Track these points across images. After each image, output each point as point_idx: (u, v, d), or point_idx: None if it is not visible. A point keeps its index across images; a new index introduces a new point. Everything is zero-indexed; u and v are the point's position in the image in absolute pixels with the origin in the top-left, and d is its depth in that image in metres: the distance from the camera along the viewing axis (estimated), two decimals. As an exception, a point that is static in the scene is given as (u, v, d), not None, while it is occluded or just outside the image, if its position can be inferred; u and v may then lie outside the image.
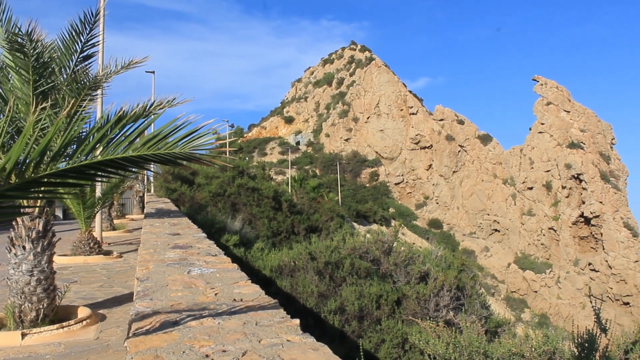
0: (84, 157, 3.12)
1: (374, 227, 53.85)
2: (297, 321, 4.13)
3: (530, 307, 71.48)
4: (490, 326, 12.48)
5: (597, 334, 5.91)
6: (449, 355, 5.73)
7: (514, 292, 73.31)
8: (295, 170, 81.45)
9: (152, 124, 4.37)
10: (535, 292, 73.20)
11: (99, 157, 3.19)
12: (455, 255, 18.42)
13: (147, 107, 5.17)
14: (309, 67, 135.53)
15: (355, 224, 59.26)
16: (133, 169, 3.67)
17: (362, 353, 5.42)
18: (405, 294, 12.52)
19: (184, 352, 3.25)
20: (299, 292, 12.03)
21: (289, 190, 50.90)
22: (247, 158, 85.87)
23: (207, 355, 3.20)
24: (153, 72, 37.10)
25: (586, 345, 5.91)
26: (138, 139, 3.42)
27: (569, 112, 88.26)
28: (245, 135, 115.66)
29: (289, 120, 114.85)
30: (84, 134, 3.70)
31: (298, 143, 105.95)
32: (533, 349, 5.76)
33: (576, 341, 6.02)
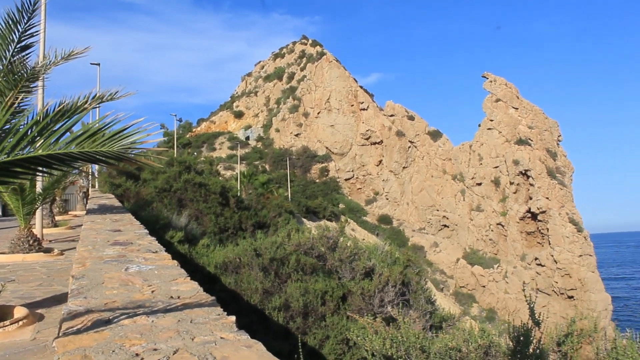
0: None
1: (324, 223, 54.08)
2: (233, 318, 4.15)
3: (478, 302, 72.82)
4: (434, 321, 12.70)
5: (532, 327, 6.10)
6: (386, 351, 5.82)
7: (463, 287, 74.57)
8: (245, 165, 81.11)
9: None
10: (483, 286, 74.60)
11: (22, 154, 3.15)
12: (402, 250, 18.65)
13: (88, 100, 5.10)
14: (260, 61, 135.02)
15: (304, 220, 59.33)
16: (61, 168, 3.62)
17: (300, 350, 5.48)
18: (350, 290, 12.62)
19: (113, 351, 3.24)
20: (244, 288, 12.01)
21: (238, 186, 50.68)
22: (195, 153, 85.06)
23: (137, 354, 3.19)
24: (98, 64, 36.43)
25: (521, 338, 6.10)
26: (68, 134, 3.39)
27: (517, 109, 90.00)
28: (194, 130, 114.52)
29: (239, 115, 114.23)
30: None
31: (248, 138, 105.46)
32: (469, 343, 5.91)
33: (511, 335, 6.21)
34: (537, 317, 6.58)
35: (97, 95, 5.67)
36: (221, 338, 3.60)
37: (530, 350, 6.05)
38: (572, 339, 6.28)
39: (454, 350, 5.86)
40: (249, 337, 3.68)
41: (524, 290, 7.54)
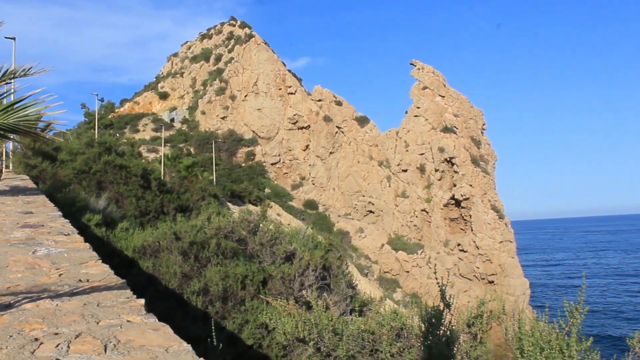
0: None
1: (246, 207, 53.90)
2: (141, 301, 4.12)
3: (402, 287, 74.29)
4: (355, 305, 12.88)
5: (443, 310, 6.31)
6: (298, 334, 5.90)
7: (387, 272, 75.88)
8: (169, 148, 79.87)
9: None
10: (407, 272, 76.10)
11: None
12: (324, 235, 18.82)
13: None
14: (187, 42, 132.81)
15: (229, 204, 58.96)
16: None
17: (214, 334, 5.48)
18: (270, 274, 12.68)
19: (11, 336, 3.18)
20: (162, 273, 11.90)
21: (162, 169, 49.90)
22: (117, 134, 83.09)
23: (36, 339, 3.14)
24: (13, 39, 35.13)
25: (433, 320, 6.30)
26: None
27: (443, 97, 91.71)
28: (116, 111, 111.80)
29: (164, 96, 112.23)
30: None
31: (172, 120, 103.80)
32: (382, 326, 6.07)
33: (423, 317, 6.40)
34: (447, 299, 6.80)
35: (10, 70, 5.45)
36: (128, 321, 3.57)
37: (441, 331, 6.26)
38: (482, 321, 6.53)
39: (367, 332, 6.00)
40: (156, 320, 3.67)
41: (435, 272, 7.78)
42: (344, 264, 15.59)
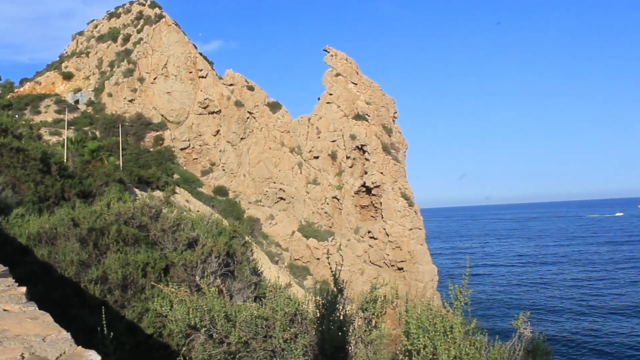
0: None
1: (156, 193, 52.92)
2: (23, 289, 4.06)
3: (312, 274, 74.98)
4: (260, 292, 12.98)
5: (337, 295, 6.49)
6: (189, 320, 5.92)
7: (298, 259, 76.39)
8: (73, 131, 77.35)
9: None
10: (318, 259, 76.85)
11: None
12: (230, 221, 18.79)
13: None
14: (93, 20, 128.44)
15: (137, 190, 57.72)
16: None
17: (104, 322, 5.43)
18: (172, 262, 12.59)
19: None
20: (58, 260, 11.64)
21: (64, 153, 48.36)
22: (17, 116, 79.72)
23: None
24: None
25: (327, 305, 6.47)
26: None
27: (356, 84, 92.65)
28: (16, 90, 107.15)
29: (68, 77, 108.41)
30: None
31: (77, 102, 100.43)
32: (275, 312, 6.17)
33: (318, 303, 6.55)
34: (340, 285, 6.99)
35: None
36: (4, 310, 3.52)
37: (335, 316, 6.44)
38: (375, 306, 6.74)
39: (260, 318, 6.09)
40: (36, 308, 3.63)
41: (327, 257, 7.95)
42: (248, 251, 15.64)
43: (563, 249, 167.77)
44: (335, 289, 6.87)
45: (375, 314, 6.78)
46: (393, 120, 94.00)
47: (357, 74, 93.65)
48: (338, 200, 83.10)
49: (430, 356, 5.65)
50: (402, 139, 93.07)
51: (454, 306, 6.25)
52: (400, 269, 77.11)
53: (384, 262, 77.89)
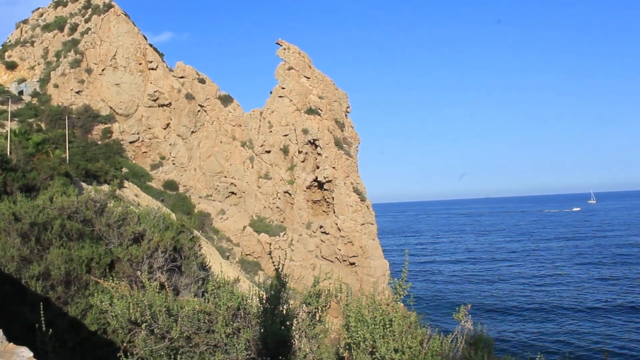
0: None
1: (103, 187, 52.11)
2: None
3: (264, 269, 74.89)
4: (207, 287, 12.92)
5: (280, 289, 6.53)
6: (129, 315, 5.89)
7: (249, 254, 76.20)
8: (17, 123, 75.63)
9: None
10: (269, 254, 76.76)
11: None
12: (177, 216, 18.68)
13: None
14: (38, 8, 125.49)
15: (84, 184, 56.78)
16: None
17: (42, 319, 5.36)
18: (118, 257, 12.45)
19: None
20: (-3, 257, 11.42)
21: (8, 146, 47.36)
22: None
23: None
24: None
25: (270, 299, 6.51)
26: None
27: (309, 78, 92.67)
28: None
29: (11, 66, 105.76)
30: None
31: (21, 93, 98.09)
32: (218, 306, 6.18)
33: (261, 297, 6.59)
34: (283, 279, 7.04)
35: None
36: None
37: (277, 311, 6.48)
38: (318, 300, 6.81)
39: (203, 313, 6.09)
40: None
41: (270, 253, 8.00)
42: (196, 246, 15.57)
43: (514, 244, 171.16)
44: (278, 283, 6.91)
45: (319, 308, 6.85)
46: (345, 115, 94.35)
47: (310, 67, 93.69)
48: (290, 195, 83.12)
49: (370, 349, 5.74)
50: (355, 134, 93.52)
51: (395, 299, 6.36)
52: (352, 264, 77.57)
53: (336, 257, 78.25)
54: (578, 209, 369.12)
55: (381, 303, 6.37)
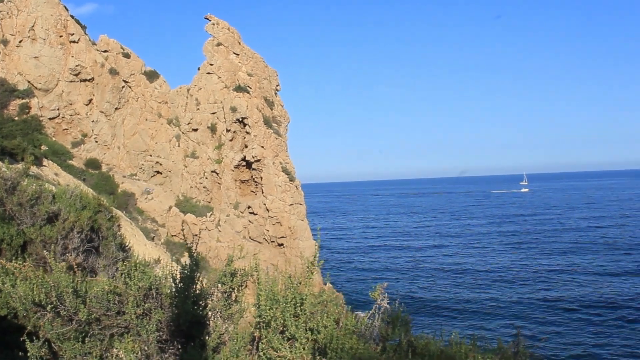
0: None
1: (17, 165, 50.39)
2: None
3: (200, 253, 74.12)
4: (126, 269, 12.68)
5: (194, 269, 6.51)
6: (34, 297, 5.74)
7: (175, 235, 75.30)
8: None
9: None
10: (196, 235, 76.15)
11: None
12: (95, 195, 18.25)
13: None
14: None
15: (0, 163, 54.81)
16: None
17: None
18: (31, 238, 12.11)
19: None
20: None
21: None
22: None
23: None
24: None
25: (184, 279, 6.46)
26: None
27: (238, 55, 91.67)
28: None
29: None
30: None
31: None
32: (128, 286, 6.09)
33: (174, 277, 6.54)
34: (195, 257, 7.00)
35: None
36: None
37: (193, 290, 6.44)
38: (233, 279, 6.80)
39: (112, 294, 5.98)
40: None
41: (182, 229, 7.93)
42: (115, 226, 15.29)
43: (444, 226, 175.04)
44: (191, 262, 6.86)
45: (234, 287, 6.83)
46: (275, 93, 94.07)
47: (240, 44, 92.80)
48: (217, 174, 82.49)
49: (281, 328, 5.77)
50: (284, 113, 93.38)
51: (307, 277, 6.40)
52: (281, 245, 77.79)
53: (264, 238, 78.30)
54: (526, 190, 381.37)
55: (293, 281, 6.40)
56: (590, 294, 74.56)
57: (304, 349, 5.69)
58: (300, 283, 6.18)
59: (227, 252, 73.10)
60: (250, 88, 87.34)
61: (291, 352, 5.53)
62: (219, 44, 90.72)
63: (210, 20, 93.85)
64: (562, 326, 62.93)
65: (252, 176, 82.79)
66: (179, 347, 6.34)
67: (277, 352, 5.49)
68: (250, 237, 78.62)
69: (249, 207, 79.92)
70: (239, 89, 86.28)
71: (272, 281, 6.42)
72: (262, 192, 79.70)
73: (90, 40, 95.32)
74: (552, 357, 53.81)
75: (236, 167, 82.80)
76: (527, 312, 68.92)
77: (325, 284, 79.75)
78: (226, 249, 73.70)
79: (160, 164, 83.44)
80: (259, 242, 78.42)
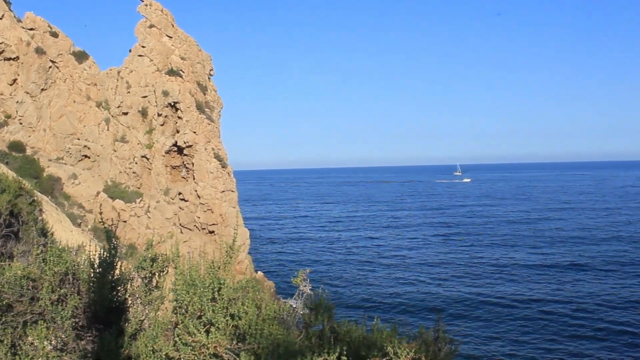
0: None
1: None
2: None
3: (119, 237, 72.84)
4: (48, 254, 12.41)
5: (113, 255, 6.43)
6: None
7: (102, 222, 73.83)
8: None
9: None
10: (125, 221, 74.90)
11: None
12: (15, 178, 17.74)
13: None
14: None
15: None
16: None
17: None
18: (-57, 221, 11.73)
19: None
20: None
21: None
22: None
23: None
24: None
25: (102, 264, 6.39)
26: None
27: (171, 37, 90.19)
28: None
29: None
30: None
31: None
32: (43, 271, 5.96)
33: (92, 262, 6.45)
34: (114, 243, 6.90)
35: None
36: None
37: (111, 275, 6.35)
38: (153, 264, 6.74)
39: (26, 279, 5.84)
40: None
41: (100, 212, 7.81)
42: (36, 210, 14.90)
43: (375, 213, 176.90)
44: (109, 246, 6.75)
45: (154, 272, 6.77)
46: (209, 78, 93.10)
47: (173, 26, 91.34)
48: (147, 159, 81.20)
49: (199, 313, 5.75)
50: (218, 98, 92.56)
51: (226, 261, 6.40)
52: (212, 232, 77.31)
53: (195, 225, 77.67)
54: (469, 180, 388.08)
55: (212, 266, 6.38)
56: (518, 289, 76.63)
57: (225, 334, 5.68)
58: (219, 268, 6.16)
59: (157, 240, 72.25)
60: (183, 72, 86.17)
61: (207, 337, 5.51)
62: (151, 26, 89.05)
63: (143, 1, 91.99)
64: (484, 320, 64.61)
65: (183, 162, 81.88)
66: (97, 334, 6.24)
67: (192, 337, 5.47)
68: (180, 224, 77.82)
69: (179, 194, 79.04)
70: (172, 72, 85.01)
71: (190, 266, 6.39)
72: (194, 179, 78.95)
73: (15, 17, 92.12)
74: (476, 350, 55.29)
75: (167, 152, 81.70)
76: (453, 305, 70.53)
77: (257, 272, 79.80)
78: (156, 237, 72.74)
79: (88, 148, 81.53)
80: (190, 229, 77.74)
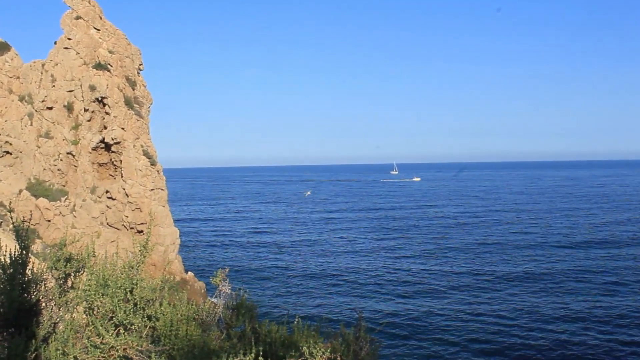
0: None
1: None
2: None
3: (42, 238, 71.13)
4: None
5: (23, 256, 6.33)
6: None
7: (25, 221, 71.76)
8: None
9: None
10: (49, 221, 73.12)
11: None
12: None
13: None
14: None
15: None
16: None
17: None
18: None
19: None
20: None
21: None
22: None
23: None
24: None
25: (12, 265, 6.26)
26: None
27: (99, 30, 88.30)
28: None
29: None
30: None
31: None
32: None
33: (3, 262, 6.32)
34: (25, 241, 6.77)
35: None
36: None
37: (23, 277, 6.24)
38: (68, 264, 6.63)
39: None
40: None
41: (10, 211, 7.67)
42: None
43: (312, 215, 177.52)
44: (20, 246, 6.60)
45: (69, 273, 6.64)
46: (138, 73, 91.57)
47: (101, 19, 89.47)
48: (73, 156, 79.36)
49: (110, 314, 5.69)
50: (147, 93, 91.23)
51: (140, 261, 6.35)
52: (140, 231, 76.13)
53: (123, 225, 76.35)
54: (418, 179, 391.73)
55: (126, 266, 6.33)
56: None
57: (140, 336, 5.63)
58: (132, 267, 6.11)
59: (84, 240, 70.67)
60: (111, 66, 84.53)
61: (116, 339, 5.45)
62: (78, 17, 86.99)
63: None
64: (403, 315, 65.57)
65: (111, 159, 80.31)
66: (8, 337, 6.08)
67: (101, 339, 5.40)
68: (108, 223, 76.37)
69: (107, 192, 77.52)
70: (99, 66, 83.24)
71: (102, 266, 6.31)
72: (122, 176, 77.55)
73: None
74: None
75: (94, 149, 79.99)
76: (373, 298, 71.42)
77: (187, 272, 78.99)
78: (81, 236, 71.12)
79: (10, 144, 79.08)
80: (118, 229, 76.37)
